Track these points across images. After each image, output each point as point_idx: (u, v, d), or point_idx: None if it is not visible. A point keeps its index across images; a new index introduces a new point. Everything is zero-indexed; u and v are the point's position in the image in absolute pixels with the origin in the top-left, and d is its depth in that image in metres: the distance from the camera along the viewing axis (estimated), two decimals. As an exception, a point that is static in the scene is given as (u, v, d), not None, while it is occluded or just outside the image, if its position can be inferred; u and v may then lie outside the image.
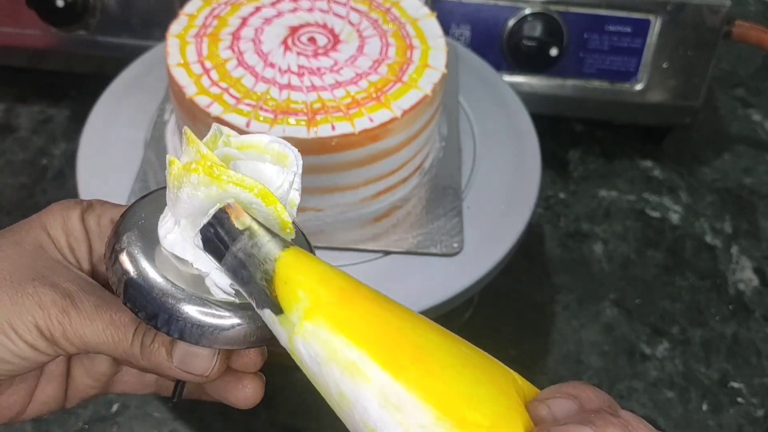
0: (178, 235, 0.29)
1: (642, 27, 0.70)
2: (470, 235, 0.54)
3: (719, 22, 0.69)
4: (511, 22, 0.70)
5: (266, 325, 0.28)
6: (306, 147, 0.50)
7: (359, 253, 0.53)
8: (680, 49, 0.70)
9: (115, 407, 0.57)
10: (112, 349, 0.30)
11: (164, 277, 0.29)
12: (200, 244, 0.28)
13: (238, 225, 0.27)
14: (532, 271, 0.69)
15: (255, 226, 0.27)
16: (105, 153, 0.58)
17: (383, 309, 0.26)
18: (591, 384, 0.27)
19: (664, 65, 0.71)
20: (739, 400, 0.61)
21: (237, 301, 0.29)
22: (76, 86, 0.81)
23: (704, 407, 0.61)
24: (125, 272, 0.29)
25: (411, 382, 0.24)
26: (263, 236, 0.27)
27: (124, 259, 0.30)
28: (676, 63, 0.71)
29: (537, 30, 0.69)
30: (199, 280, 0.29)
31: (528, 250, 0.69)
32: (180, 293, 0.29)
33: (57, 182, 0.73)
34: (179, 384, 0.34)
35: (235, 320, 0.29)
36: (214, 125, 0.31)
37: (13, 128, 0.78)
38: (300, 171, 0.30)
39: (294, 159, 0.30)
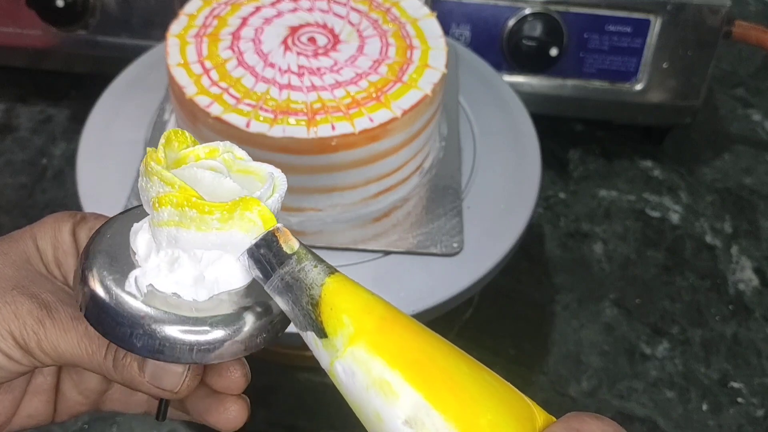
0: (156, 260, 0.29)
1: (642, 27, 0.70)
2: (470, 235, 0.54)
3: (719, 22, 0.69)
4: (511, 22, 0.70)
5: (239, 339, 0.29)
6: (306, 147, 0.50)
7: (359, 253, 0.53)
8: (680, 49, 0.70)
9: (115, 407, 0.57)
10: (86, 361, 0.30)
11: (132, 296, 0.29)
12: (246, 263, 0.29)
13: (286, 249, 0.28)
14: (532, 271, 0.69)
15: (302, 252, 0.28)
16: (105, 153, 0.58)
17: (419, 337, 0.28)
18: (601, 416, 0.28)
19: (664, 65, 0.71)
20: (739, 400, 0.61)
21: (213, 314, 0.29)
22: (76, 86, 0.81)
23: (704, 407, 0.61)
24: (89, 291, 0.29)
25: (438, 403, 0.26)
26: (310, 261, 0.28)
27: (89, 277, 0.29)
28: (676, 63, 0.71)
29: (537, 30, 0.69)
30: (170, 298, 0.29)
31: (528, 250, 0.69)
32: (148, 312, 0.29)
33: (57, 182, 0.73)
34: (162, 403, 0.33)
35: (208, 336, 0.29)
36: (227, 143, 0.31)
37: (13, 128, 0.78)
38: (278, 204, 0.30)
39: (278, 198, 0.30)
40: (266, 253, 0.28)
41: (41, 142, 0.77)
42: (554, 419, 0.28)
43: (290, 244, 0.28)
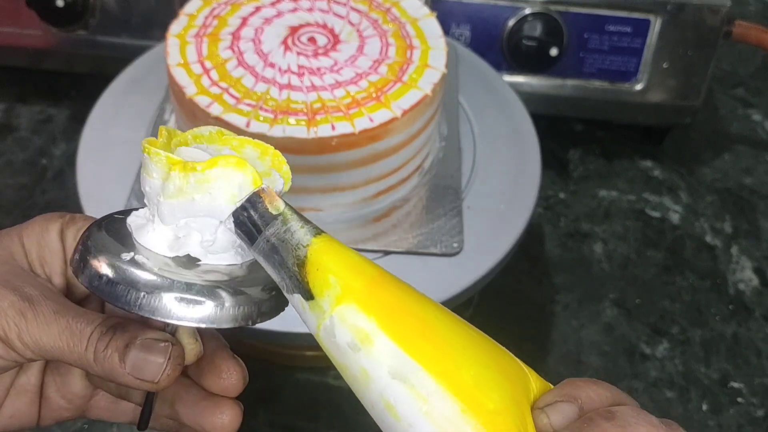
0: (153, 225, 0.30)
1: (642, 27, 0.70)
2: (470, 235, 0.54)
3: (719, 22, 0.69)
4: (511, 22, 0.70)
5: (240, 305, 0.29)
6: (306, 147, 0.50)
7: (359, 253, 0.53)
8: (680, 49, 0.70)
9: (115, 407, 0.57)
10: (67, 354, 0.30)
11: (135, 262, 0.29)
12: (232, 227, 0.28)
13: (271, 210, 0.28)
14: (532, 271, 0.69)
15: (288, 212, 0.28)
16: (105, 153, 0.58)
17: (408, 297, 0.28)
18: (597, 380, 0.28)
19: (664, 65, 0.71)
20: (739, 400, 0.61)
21: (215, 280, 0.30)
22: (76, 86, 0.81)
23: (704, 407, 0.61)
24: (93, 253, 0.30)
25: (422, 357, 0.26)
26: (296, 222, 0.28)
27: (90, 245, 0.30)
28: (676, 63, 0.71)
29: (537, 30, 0.69)
30: (170, 264, 0.30)
31: (528, 250, 0.69)
32: (156, 272, 0.29)
33: (57, 182, 0.73)
34: (145, 412, 0.33)
35: (198, 297, 0.29)
36: (214, 128, 0.31)
37: (13, 128, 0.78)
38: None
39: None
40: (252, 215, 0.28)
41: (41, 142, 0.77)
42: (551, 386, 0.28)
43: (275, 205, 0.28)
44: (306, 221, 0.28)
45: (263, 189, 0.28)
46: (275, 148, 0.32)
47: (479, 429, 0.25)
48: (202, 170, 0.28)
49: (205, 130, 0.32)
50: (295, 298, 0.28)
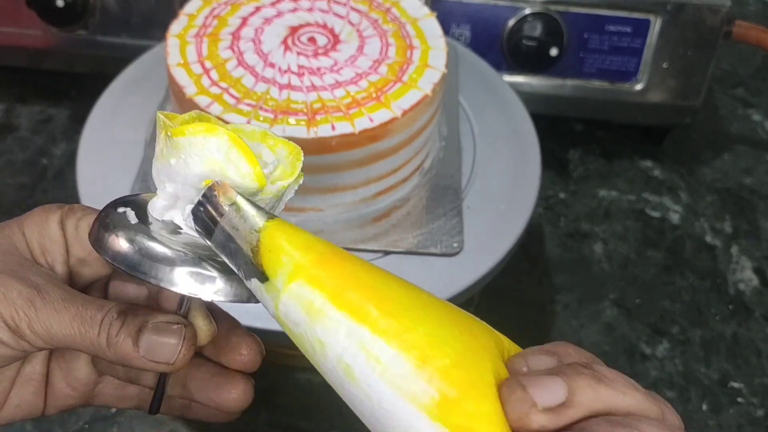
0: (171, 203, 0.31)
1: (642, 27, 0.70)
2: (470, 235, 0.54)
3: (719, 22, 0.69)
4: (511, 22, 0.70)
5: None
6: (306, 147, 0.50)
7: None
8: (680, 49, 0.70)
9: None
10: (79, 341, 0.30)
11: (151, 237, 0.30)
12: (191, 223, 0.29)
13: (225, 200, 0.29)
14: (532, 271, 0.69)
15: (240, 201, 0.29)
16: (105, 153, 0.58)
17: (363, 271, 0.28)
18: (576, 345, 0.28)
19: (664, 65, 0.71)
20: (739, 400, 0.61)
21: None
22: (76, 86, 0.81)
23: (704, 407, 0.61)
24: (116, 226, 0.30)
25: (374, 325, 0.26)
26: (248, 209, 0.29)
27: (109, 220, 0.31)
28: (676, 63, 0.71)
29: (537, 30, 0.69)
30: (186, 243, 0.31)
31: (528, 250, 0.69)
32: (171, 246, 0.30)
33: (57, 182, 0.73)
34: (156, 396, 0.34)
35: (211, 273, 0.30)
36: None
37: (13, 128, 0.78)
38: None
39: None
40: (207, 209, 0.29)
41: (41, 142, 0.77)
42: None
43: (228, 196, 0.29)
44: (259, 208, 0.29)
45: (216, 182, 0.29)
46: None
47: (434, 382, 0.25)
48: (173, 135, 0.29)
49: (248, 127, 0.32)
50: (253, 283, 0.29)
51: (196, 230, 0.29)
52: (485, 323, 0.29)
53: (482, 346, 0.27)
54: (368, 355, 0.26)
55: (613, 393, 0.26)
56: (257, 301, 0.29)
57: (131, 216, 0.31)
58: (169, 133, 0.29)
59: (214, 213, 0.29)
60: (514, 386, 0.25)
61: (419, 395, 0.25)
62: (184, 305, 0.32)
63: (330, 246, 0.29)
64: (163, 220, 0.31)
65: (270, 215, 0.29)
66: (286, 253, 0.28)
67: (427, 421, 0.25)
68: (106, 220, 0.31)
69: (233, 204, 0.29)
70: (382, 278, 0.28)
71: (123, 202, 0.32)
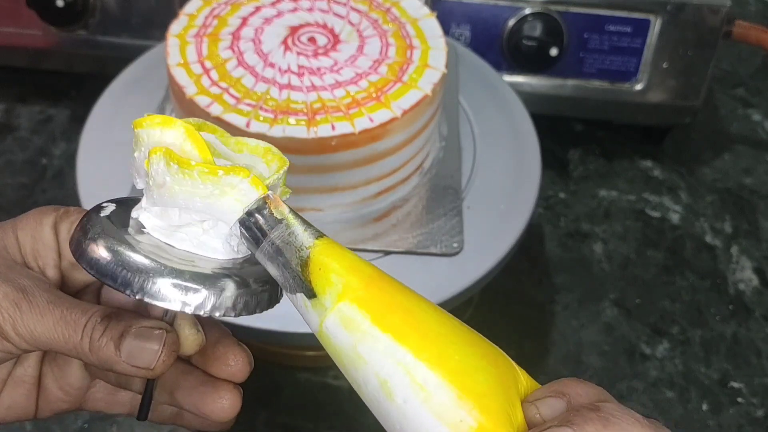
0: (153, 218, 0.31)
1: (642, 27, 0.70)
2: (470, 235, 0.54)
3: (719, 22, 0.69)
4: (511, 22, 0.70)
5: (239, 294, 0.30)
6: (306, 147, 0.50)
7: (359, 253, 0.52)
8: (680, 49, 0.70)
9: (115, 407, 0.57)
10: (62, 344, 0.30)
11: (132, 247, 0.30)
12: (238, 232, 0.30)
13: (276, 214, 0.30)
14: (532, 271, 0.69)
15: (291, 217, 0.30)
16: (105, 153, 0.58)
17: (403, 295, 0.30)
18: (584, 380, 0.29)
19: (664, 65, 0.71)
20: (739, 400, 0.61)
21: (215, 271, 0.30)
22: (76, 86, 0.81)
23: (704, 407, 0.61)
24: (94, 237, 0.30)
25: (416, 348, 0.28)
26: (299, 226, 0.30)
27: (89, 228, 0.31)
28: (676, 63, 0.71)
29: (537, 30, 0.69)
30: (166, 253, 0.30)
31: (528, 250, 0.69)
32: (151, 257, 0.30)
33: (57, 182, 0.73)
34: (144, 402, 0.33)
35: (204, 289, 0.30)
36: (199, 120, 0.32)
37: (13, 128, 0.78)
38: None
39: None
40: (258, 220, 0.30)
41: (41, 142, 0.77)
42: (539, 386, 0.30)
43: (280, 210, 0.30)
44: (308, 225, 0.30)
45: (269, 196, 0.30)
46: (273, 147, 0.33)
47: (473, 413, 0.27)
48: (134, 128, 0.30)
49: (252, 141, 0.33)
50: (298, 298, 0.29)
51: (243, 237, 0.30)
52: (505, 354, 0.30)
53: (508, 379, 0.29)
54: (412, 380, 0.27)
55: None
56: (235, 315, 0.30)
57: (116, 221, 0.31)
58: (133, 128, 0.30)
59: (264, 225, 0.30)
60: None
61: (458, 424, 0.27)
62: (170, 312, 0.32)
63: (374, 268, 0.30)
64: (137, 219, 0.31)
65: (319, 233, 0.30)
66: (337, 272, 0.29)
67: None
68: (87, 226, 0.31)
69: (284, 218, 0.30)
70: (417, 301, 0.30)
71: (110, 204, 0.32)
